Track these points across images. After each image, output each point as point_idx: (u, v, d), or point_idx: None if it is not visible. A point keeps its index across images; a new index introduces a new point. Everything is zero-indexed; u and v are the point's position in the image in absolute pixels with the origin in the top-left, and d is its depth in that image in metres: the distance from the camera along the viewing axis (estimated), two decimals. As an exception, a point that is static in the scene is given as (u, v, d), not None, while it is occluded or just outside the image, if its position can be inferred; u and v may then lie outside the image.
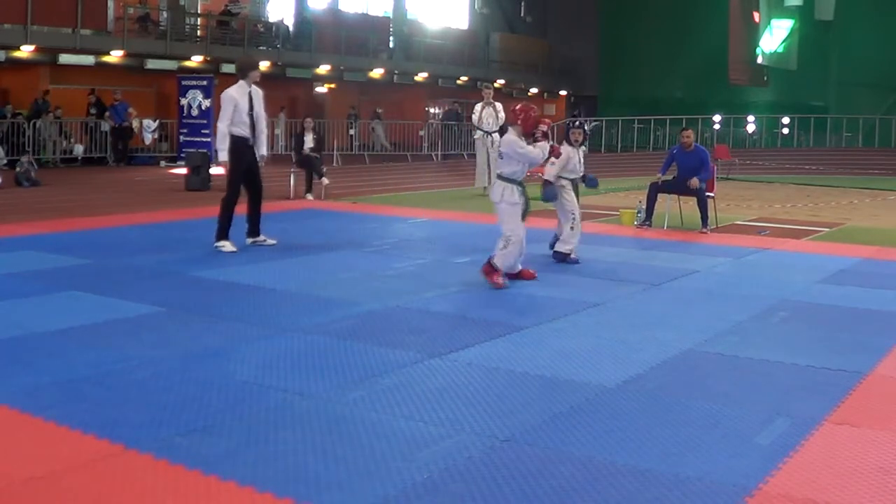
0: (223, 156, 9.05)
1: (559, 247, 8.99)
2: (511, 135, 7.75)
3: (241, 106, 9.08)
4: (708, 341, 5.89)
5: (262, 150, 9.39)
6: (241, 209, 9.35)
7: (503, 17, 38.41)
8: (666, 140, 30.42)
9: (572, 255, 8.92)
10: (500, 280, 7.54)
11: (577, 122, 9.87)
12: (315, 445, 3.88)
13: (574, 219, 8.94)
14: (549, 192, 9.01)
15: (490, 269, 7.58)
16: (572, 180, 9.16)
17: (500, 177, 7.79)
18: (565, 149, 9.06)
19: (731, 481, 3.62)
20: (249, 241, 9.41)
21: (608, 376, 5.02)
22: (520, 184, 7.73)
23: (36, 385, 4.60)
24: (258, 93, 9.31)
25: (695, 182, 11.55)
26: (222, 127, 9.05)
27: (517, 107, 7.95)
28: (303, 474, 3.58)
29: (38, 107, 20.37)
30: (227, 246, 9.04)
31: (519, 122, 7.76)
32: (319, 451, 3.82)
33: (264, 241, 9.45)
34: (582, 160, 9.33)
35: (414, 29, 32.80)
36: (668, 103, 32.97)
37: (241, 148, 9.13)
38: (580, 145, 9.34)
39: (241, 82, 9.23)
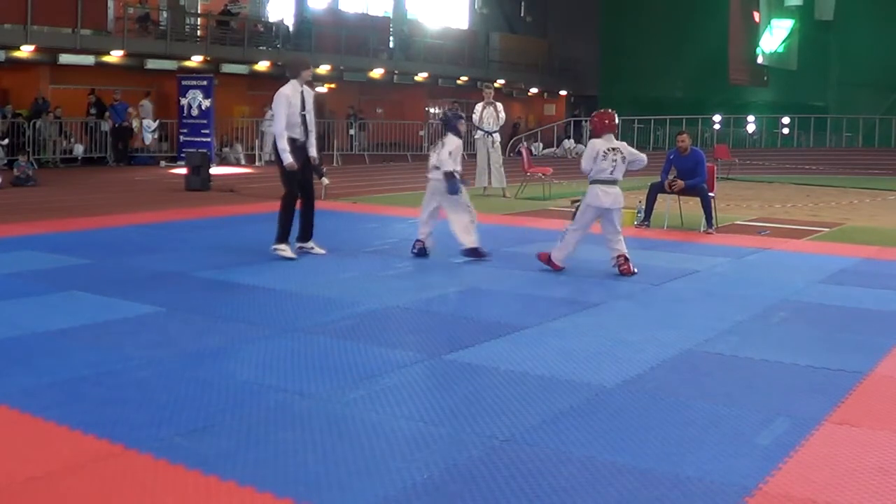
0: (287, 157, 8.56)
1: (466, 242, 8.80)
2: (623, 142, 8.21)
3: (294, 106, 8.66)
4: (708, 341, 5.89)
5: (313, 150, 8.93)
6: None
7: (503, 16, 38.39)
8: (666, 140, 30.42)
9: (481, 248, 8.84)
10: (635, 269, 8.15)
11: (463, 114, 10.06)
12: (315, 445, 3.88)
13: (471, 210, 8.88)
14: (456, 185, 8.83)
15: (627, 263, 8.13)
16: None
17: (615, 183, 8.09)
18: (457, 140, 8.98)
19: (731, 481, 3.62)
20: (298, 245, 8.92)
21: (608, 376, 5.02)
22: None
23: (36, 385, 4.60)
24: (310, 93, 8.89)
25: (679, 184, 11.63)
26: (280, 129, 8.60)
27: (608, 115, 8.22)
28: (303, 474, 3.58)
29: (38, 107, 20.38)
30: (286, 251, 8.62)
31: (614, 129, 8.21)
32: (319, 451, 3.82)
33: (312, 248, 8.98)
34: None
35: (414, 29, 32.78)
36: (668, 103, 32.95)
37: (295, 150, 8.65)
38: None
39: (293, 82, 8.78)
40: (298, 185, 8.83)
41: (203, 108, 20.96)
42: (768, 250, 10.22)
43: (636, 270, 8.18)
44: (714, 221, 11.64)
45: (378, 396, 4.56)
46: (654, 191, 12.07)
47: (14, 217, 11.38)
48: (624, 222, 12.03)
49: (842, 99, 33.24)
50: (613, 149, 8.04)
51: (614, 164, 8.03)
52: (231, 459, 3.70)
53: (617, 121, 8.34)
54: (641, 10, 34.09)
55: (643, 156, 8.33)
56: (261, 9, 28.30)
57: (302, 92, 8.76)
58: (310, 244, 9.00)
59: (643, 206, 12.09)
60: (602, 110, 8.43)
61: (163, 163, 21.49)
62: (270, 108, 22.72)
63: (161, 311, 6.33)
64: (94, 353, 5.20)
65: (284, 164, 8.63)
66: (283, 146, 8.60)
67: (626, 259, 8.18)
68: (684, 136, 12.18)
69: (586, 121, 32.26)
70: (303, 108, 8.72)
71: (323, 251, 8.98)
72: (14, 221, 10.94)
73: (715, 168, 12.89)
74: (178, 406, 4.33)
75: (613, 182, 8.10)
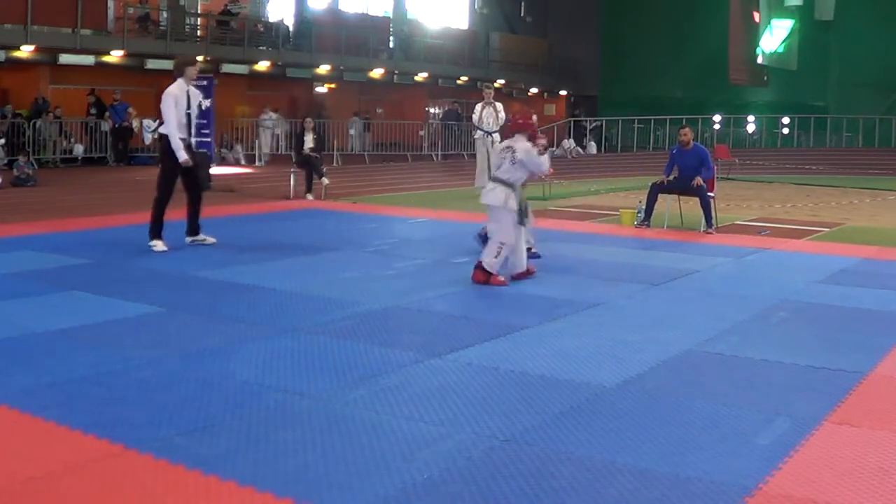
0: (182, 154, 9.00)
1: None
2: (526, 143, 7.83)
3: (180, 105, 8.95)
4: (708, 341, 5.89)
5: (190, 149, 9.42)
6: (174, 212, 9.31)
7: (503, 16, 38.38)
8: (666, 140, 30.44)
9: (534, 249, 8.89)
10: (502, 279, 7.62)
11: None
12: (315, 445, 3.88)
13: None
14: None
15: (485, 274, 7.60)
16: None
17: (503, 182, 7.75)
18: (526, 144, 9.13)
19: (731, 481, 3.62)
20: (189, 239, 9.35)
21: (608, 376, 5.02)
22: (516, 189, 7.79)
23: (36, 385, 4.60)
24: (195, 92, 9.30)
25: (698, 180, 11.56)
26: (172, 128, 8.94)
27: (522, 115, 8.05)
28: (303, 474, 3.58)
29: (38, 107, 20.37)
30: (158, 245, 8.94)
31: (527, 129, 7.91)
32: (319, 451, 3.82)
33: (204, 239, 9.38)
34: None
35: (414, 29, 32.77)
36: (668, 103, 32.95)
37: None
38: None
39: (179, 81, 9.10)
40: (185, 183, 9.29)
41: (203, 108, 20.93)
42: (768, 250, 10.22)
43: (504, 280, 7.56)
44: (714, 221, 11.64)
45: (378, 396, 4.56)
46: (655, 190, 12.07)
47: (14, 217, 11.38)
48: (624, 222, 12.16)
49: (842, 99, 33.24)
50: (508, 147, 7.88)
51: (501, 161, 7.84)
52: (231, 459, 3.70)
53: (531, 120, 8.04)
54: (641, 10, 34.11)
55: (540, 162, 7.82)
56: (261, 9, 28.29)
57: (188, 91, 9.10)
58: (201, 237, 9.38)
59: (643, 206, 12.10)
60: (519, 111, 8.25)
61: (163, 163, 21.47)
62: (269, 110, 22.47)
63: (161, 311, 6.33)
64: (94, 353, 5.20)
65: (180, 160, 9.03)
66: (178, 144, 8.94)
67: (479, 264, 7.62)
68: (686, 129, 12.16)
69: (586, 121, 32.47)
70: (188, 107, 9.01)
71: (214, 240, 9.35)
72: (14, 221, 10.94)
73: (715, 168, 12.89)
74: (178, 406, 4.33)
75: (496, 179, 7.79)
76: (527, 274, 7.91)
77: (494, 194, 7.76)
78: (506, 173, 7.76)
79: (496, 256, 7.60)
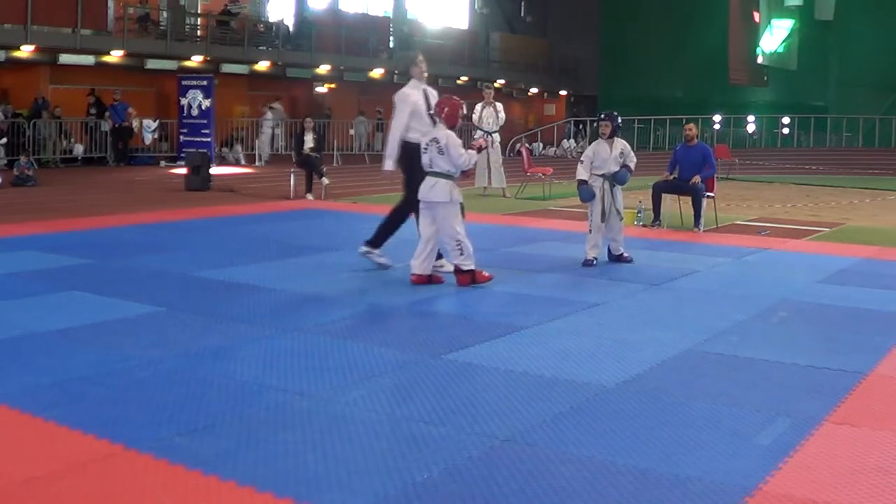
0: (390, 164, 7.94)
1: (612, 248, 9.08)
2: (449, 130, 7.48)
3: (419, 108, 7.88)
4: (708, 341, 5.89)
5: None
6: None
7: (503, 16, 38.39)
8: (666, 140, 30.46)
9: (626, 255, 9.01)
10: (487, 273, 7.51)
11: (604, 115, 9.14)
12: (315, 445, 3.88)
13: (590, 219, 8.84)
14: (585, 192, 8.82)
15: (468, 275, 7.40)
16: (602, 176, 8.85)
17: (443, 175, 7.37)
18: (593, 144, 9.05)
19: (731, 481, 3.62)
20: (363, 250, 8.22)
21: (608, 376, 5.02)
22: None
23: (36, 385, 4.60)
24: (433, 92, 8.09)
25: (696, 179, 11.56)
26: (396, 133, 7.86)
27: (449, 104, 7.54)
28: (303, 474, 3.58)
29: (38, 106, 20.37)
30: (381, 257, 8.17)
31: (444, 116, 7.49)
32: (319, 450, 3.82)
33: (380, 256, 8.21)
34: (620, 153, 8.85)
35: (414, 29, 32.77)
36: (668, 103, 32.96)
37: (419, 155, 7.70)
38: (608, 138, 8.85)
39: (412, 80, 8.05)
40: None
41: (203, 108, 20.96)
42: (768, 250, 10.21)
43: (488, 275, 7.48)
44: (708, 221, 11.64)
45: (378, 396, 4.56)
46: (658, 190, 12.03)
47: (14, 217, 11.38)
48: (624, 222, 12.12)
49: (842, 99, 33.27)
50: (432, 139, 7.42)
51: (431, 156, 7.38)
52: (231, 459, 3.70)
53: (456, 112, 7.50)
54: (641, 10, 34.10)
55: (458, 154, 7.35)
56: (261, 9, 28.29)
57: (425, 90, 8.04)
58: (377, 252, 8.21)
59: (643, 206, 12.08)
60: (447, 100, 7.64)
61: (163, 163, 21.49)
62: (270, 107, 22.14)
63: (161, 311, 6.33)
64: (94, 353, 5.20)
65: (386, 168, 8.08)
66: (391, 153, 7.95)
67: (456, 268, 7.41)
68: (691, 125, 12.26)
69: (585, 120, 32.46)
70: (428, 108, 7.92)
71: (390, 264, 8.24)
72: (14, 221, 10.93)
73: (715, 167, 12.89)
74: (178, 406, 4.33)
75: (434, 174, 7.38)
76: (428, 280, 7.51)
77: (438, 189, 7.37)
78: (440, 165, 7.38)
79: (461, 253, 7.35)
